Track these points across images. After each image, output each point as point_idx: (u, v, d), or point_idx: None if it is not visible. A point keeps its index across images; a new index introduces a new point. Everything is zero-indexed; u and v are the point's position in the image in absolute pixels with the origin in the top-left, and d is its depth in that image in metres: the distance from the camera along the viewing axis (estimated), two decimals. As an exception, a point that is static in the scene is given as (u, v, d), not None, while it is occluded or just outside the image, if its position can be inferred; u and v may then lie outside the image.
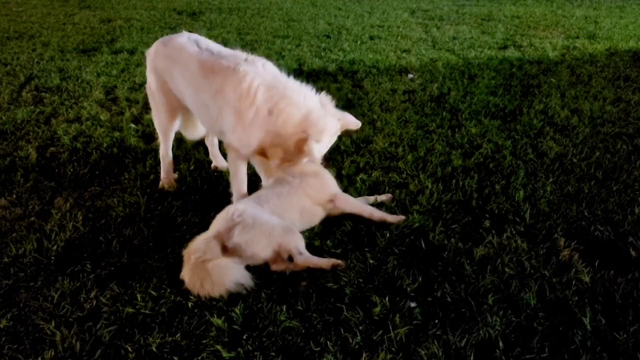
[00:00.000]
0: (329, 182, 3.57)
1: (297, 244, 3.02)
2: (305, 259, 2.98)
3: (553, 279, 2.87)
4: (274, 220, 3.10)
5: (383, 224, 3.37)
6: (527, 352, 2.41)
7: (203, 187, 3.92)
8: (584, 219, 3.46)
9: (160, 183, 3.92)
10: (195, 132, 4.14)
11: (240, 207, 3.14)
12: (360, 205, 3.48)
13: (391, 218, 3.41)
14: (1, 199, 3.70)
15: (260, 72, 3.28)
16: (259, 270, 2.95)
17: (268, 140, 3.30)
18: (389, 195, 3.72)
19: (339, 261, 2.99)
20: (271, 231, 2.99)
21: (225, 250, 2.91)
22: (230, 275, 2.76)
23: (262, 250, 2.94)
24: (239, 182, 3.52)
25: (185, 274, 2.79)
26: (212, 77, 3.33)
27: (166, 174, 3.95)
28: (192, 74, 3.42)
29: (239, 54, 3.47)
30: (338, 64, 7.62)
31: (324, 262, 2.98)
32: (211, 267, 2.74)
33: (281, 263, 2.97)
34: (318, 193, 3.43)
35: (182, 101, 3.69)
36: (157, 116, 3.90)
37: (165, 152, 3.95)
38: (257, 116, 3.20)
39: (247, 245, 2.92)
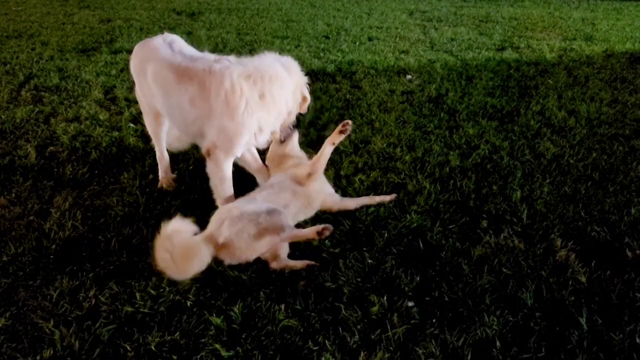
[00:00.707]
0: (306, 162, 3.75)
1: (282, 221, 3.02)
2: (289, 233, 2.99)
3: (550, 279, 2.88)
4: (261, 206, 3.10)
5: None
6: (524, 351, 2.43)
7: (202, 187, 3.92)
8: (580, 219, 3.48)
9: (159, 183, 3.93)
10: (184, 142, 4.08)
11: (230, 205, 3.19)
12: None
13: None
14: (0, 198, 3.71)
15: (232, 65, 3.29)
16: (258, 270, 2.96)
17: (265, 122, 3.37)
18: (394, 196, 3.73)
19: (322, 226, 2.94)
20: (257, 217, 2.98)
21: (219, 248, 2.90)
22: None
23: (252, 239, 2.92)
24: (228, 184, 3.46)
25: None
26: (187, 81, 3.29)
27: (164, 173, 3.97)
28: (165, 76, 3.39)
29: (209, 56, 3.46)
30: (337, 65, 7.63)
31: (309, 232, 2.98)
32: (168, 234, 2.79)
33: (280, 261, 2.98)
34: (297, 169, 3.60)
35: (154, 103, 3.65)
36: (146, 119, 3.91)
37: (161, 154, 3.96)
38: (249, 105, 3.23)
39: (237, 236, 2.90)
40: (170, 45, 3.51)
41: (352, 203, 3.61)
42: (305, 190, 3.44)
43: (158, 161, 3.98)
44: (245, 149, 3.59)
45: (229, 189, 3.48)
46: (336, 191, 3.76)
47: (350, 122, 3.45)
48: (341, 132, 3.46)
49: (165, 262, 2.73)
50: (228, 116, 3.23)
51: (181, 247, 2.76)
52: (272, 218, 3.01)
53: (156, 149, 3.98)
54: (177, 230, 2.79)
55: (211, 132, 3.33)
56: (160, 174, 3.98)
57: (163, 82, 3.41)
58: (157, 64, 3.43)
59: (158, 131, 3.90)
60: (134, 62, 3.66)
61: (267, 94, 3.27)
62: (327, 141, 3.51)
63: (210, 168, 3.44)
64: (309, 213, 3.48)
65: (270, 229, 2.95)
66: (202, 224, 3.18)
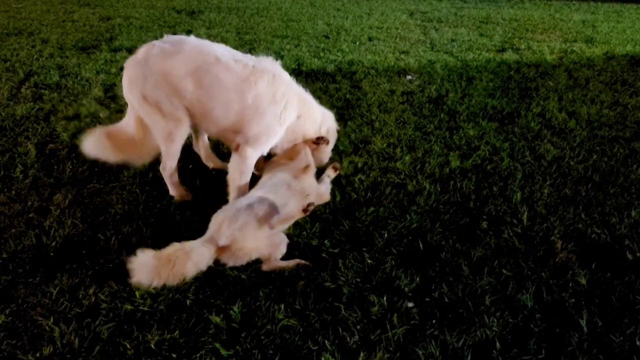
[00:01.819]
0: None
1: (274, 204, 3.10)
2: (275, 264, 3.00)
3: (550, 281, 2.89)
4: (251, 197, 3.15)
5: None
6: (524, 353, 2.43)
7: (202, 186, 3.92)
8: (580, 221, 3.48)
9: (177, 197, 3.77)
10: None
11: (224, 207, 3.18)
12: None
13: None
14: (0, 195, 3.70)
15: (288, 78, 3.65)
16: (257, 269, 2.96)
17: (291, 137, 3.70)
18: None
19: (303, 261, 3.03)
20: (252, 209, 3.02)
21: (221, 250, 2.90)
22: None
23: (255, 231, 2.94)
24: (246, 178, 3.55)
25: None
26: (253, 79, 3.38)
27: (178, 186, 3.79)
28: (220, 74, 3.33)
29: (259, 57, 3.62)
30: (337, 65, 7.63)
31: (291, 263, 3.02)
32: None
33: (271, 262, 2.98)
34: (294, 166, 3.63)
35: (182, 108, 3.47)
36: (178, 127, 3.51)
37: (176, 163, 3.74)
38: (292, 106, 3.57)
39: (242, 232, 2.90)
40: (214, 45, 3.49)
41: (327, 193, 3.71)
42: (300, 184, 3.45)
43: (170, 176, 3.69)
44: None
45: (246, 181, 3.56)
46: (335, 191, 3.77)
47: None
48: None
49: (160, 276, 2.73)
50: (279, 122, 3.49)
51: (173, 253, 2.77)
52: (264, 205, 3.05)
53: (173, 162, 3.66)
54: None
55: (254, 131, 3.43)
56: (175, 189, 3.76)
57: (215, 81, 3.33)
58: (212, 63, 3.34)
59: (186, 134, 3.61)
60: (178, 69, 3.31)
61: (306, 100, 3.71)
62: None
63: (237, 162, 3.50)
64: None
65: (264, 218, 2.98)
66: (201, 223, 3.18)
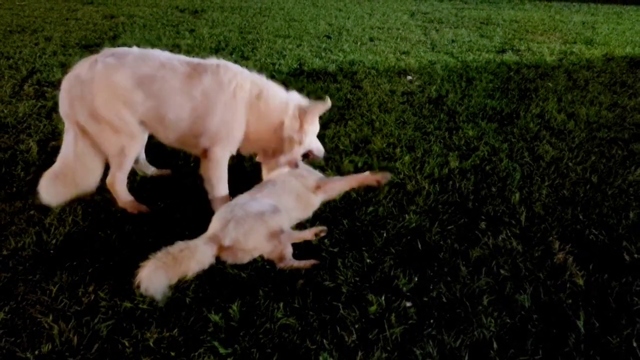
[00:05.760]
0: (313, 171, 3.78)
1: (283, 222, 3.07)
2: (289, 235, 3.03)
3: (547, 282, 2.89)
4: (263, 204, 3.12)
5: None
6: (521, 353, 2.44)
7: (201, 185, 3.93)
8: (578, 222, 3.49)
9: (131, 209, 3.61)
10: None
11: (231, 204, 3.17)
12: (344, 182, 3.69)
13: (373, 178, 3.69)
14: (1, 192, 3.71)
15: (239, 68, 3.53)
16: (257, 268, 2.97)
17: (255, 127, 3.50)
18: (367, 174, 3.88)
19: (320, 228, 3.05)
20: (262, 216, 3.00)
21: (223, 250, 2.91)
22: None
23: (262, 239, 2.95)
24: (225, 183, 3.50)
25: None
26: (198, 76, 3.31)
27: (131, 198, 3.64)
28: (166, 78, 3.28)
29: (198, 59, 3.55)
30: (338, 65, 7.64)
31: (307, 234, 3.04)
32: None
33: (287, 261, 2.98)
34: (306, 178, 3.58)
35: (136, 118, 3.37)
36: (133, 141, 3.46)
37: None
38: (250, 100, 3.45)
39: (246, 237, 2.91)
40: (151, 51, 3.43)
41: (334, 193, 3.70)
42: (308, 195, 3.47)
43: (121, 188, 3.56)
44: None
45: (226, 189, 3.50)
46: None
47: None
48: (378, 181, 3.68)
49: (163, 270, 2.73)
50: (232, 110, 3.37)
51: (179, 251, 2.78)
52: (275, 218, 3.03)
53: (124, 175, 3.54)
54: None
55: (212, 128, 3.35)
56: (130, 199, 3.61)
57: (163, 85, 3.28)
58: (157, 68, 3.30)
59: (139, 148, 3.62)
60: (125, 82, 3.24)
61: (263, 82, 3.54)
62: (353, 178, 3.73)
63: (209, 167, 3.45)
64: (307, 215, 3.47)
65: (273, 231, 2.97)
66: (201, 222, 3.19)
